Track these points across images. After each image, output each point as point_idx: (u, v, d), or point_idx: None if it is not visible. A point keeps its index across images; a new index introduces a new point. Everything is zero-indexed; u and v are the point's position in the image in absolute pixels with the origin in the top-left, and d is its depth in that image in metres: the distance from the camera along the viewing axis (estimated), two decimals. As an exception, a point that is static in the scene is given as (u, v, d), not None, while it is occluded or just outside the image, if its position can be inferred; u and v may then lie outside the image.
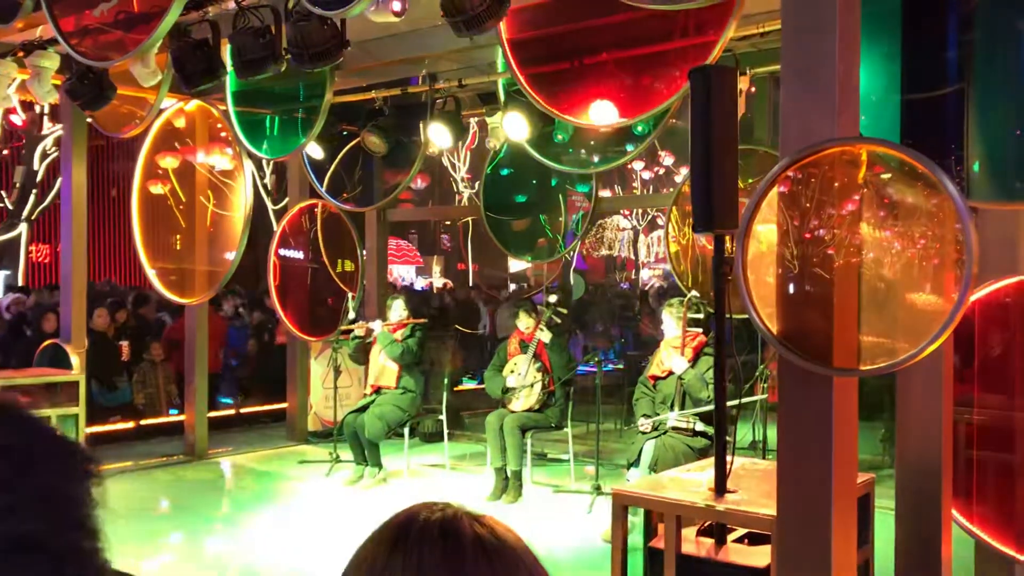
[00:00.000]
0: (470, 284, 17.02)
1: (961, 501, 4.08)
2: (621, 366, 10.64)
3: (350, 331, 7.54)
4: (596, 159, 7.64)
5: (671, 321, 5.86)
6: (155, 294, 9.08)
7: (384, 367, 7.17)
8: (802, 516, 3.08)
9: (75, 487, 0.52)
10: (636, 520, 3.87)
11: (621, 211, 23.79)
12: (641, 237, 25.66)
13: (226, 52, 5.58)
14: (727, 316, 3.51)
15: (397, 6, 4.52)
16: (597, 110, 5.48)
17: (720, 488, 3.49)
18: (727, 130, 3.40)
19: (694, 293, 6.25)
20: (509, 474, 6.59)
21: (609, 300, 15.08)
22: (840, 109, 3.06)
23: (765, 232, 3.27)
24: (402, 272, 21.71)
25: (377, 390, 7.20)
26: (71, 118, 7.39)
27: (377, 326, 7.25)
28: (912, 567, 3.82)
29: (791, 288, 3.14)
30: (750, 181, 6.47)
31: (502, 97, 7.08)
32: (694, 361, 5.71)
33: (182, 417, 8.40)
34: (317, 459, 7.89)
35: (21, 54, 6.24)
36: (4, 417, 0.51)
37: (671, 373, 5.77)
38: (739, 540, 3.53)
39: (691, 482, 3.76)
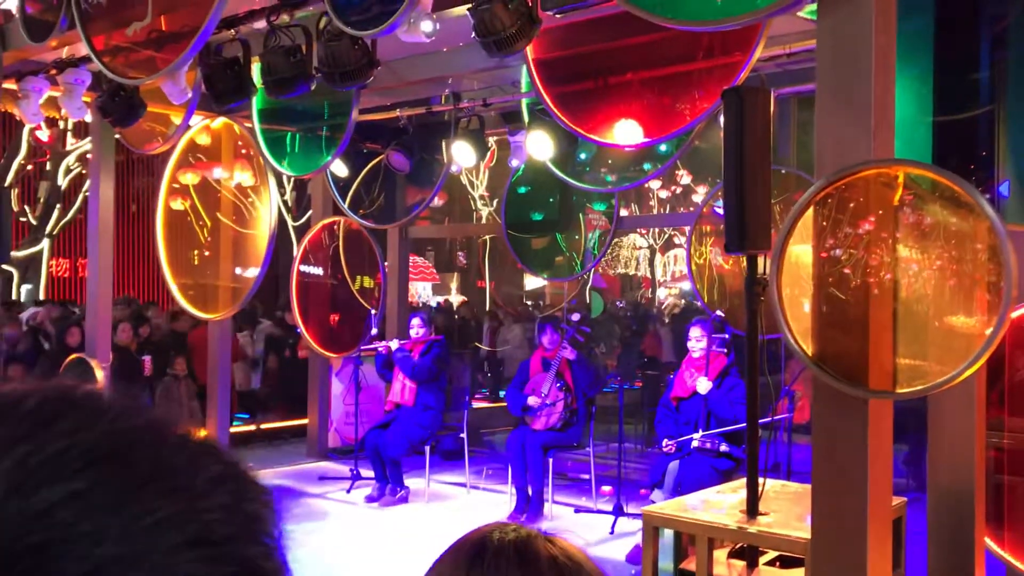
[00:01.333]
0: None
1: (991, 526, 4.03)
2: (640, 385, 10.60)
3: (372, 350, 7.57)
4: (616, 178, 7.67)
5: (695, 340, 5.84)
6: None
7: (403, 384, 7.19)
8: (837, 540, 3.05)
9: (273, 517, 0.54)
10: (663, 542, 3.84)
11: (638, 230, 23.78)
12: (657, 256, 25.63)
13: (256, 71, 5.63)
14: (760, 337, 3.50)
15: (428, 27, 4.55)
16: (622, 130, 5.49)
17: (752, 510, 3.47)
18: (760, 151, 3.40)
19: (719, 312, 6.24)
20: (530, 493, 6.56)
21: (628, 318, 15.05)
22: (876, 131, 3.06)
23: (799, 253, 3.26)
24: (419, 289, 21.75)
25: (396, 407, 7.21)
26: (100, 134, 7.47)
27: (394, 344, 7.27)
28: (945, 592, 3.79)
29: (826, 309, 3.13)
30: (772, 202, 6.46)
31: (526, 116, 7.11)
32: (716, 381, 5.69)
33: (203, 432, 8.42)
34: (338, 475, 7.89)
35: (54, 71, 6.33)
36: (210, 450, 0.53)
37: (695, 393, 5.75)
38: (771, 563, 3.51)
39: (721, 504, 3.74)
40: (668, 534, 3.65)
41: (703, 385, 5.66)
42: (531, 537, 0.84)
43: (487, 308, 16.88)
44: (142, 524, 0.45)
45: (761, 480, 3.54)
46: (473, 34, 4.28)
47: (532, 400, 6.63)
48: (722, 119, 3.54)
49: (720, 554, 3.53)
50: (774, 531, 3.31)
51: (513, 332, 12.74)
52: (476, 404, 10.41)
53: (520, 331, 12.63)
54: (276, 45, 5.13)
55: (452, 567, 0.83)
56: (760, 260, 3.56)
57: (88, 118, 7.13)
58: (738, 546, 3.53)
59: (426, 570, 0.87)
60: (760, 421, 3.72)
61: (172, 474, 0.48)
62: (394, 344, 7.29)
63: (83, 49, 5.69)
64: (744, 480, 3.63)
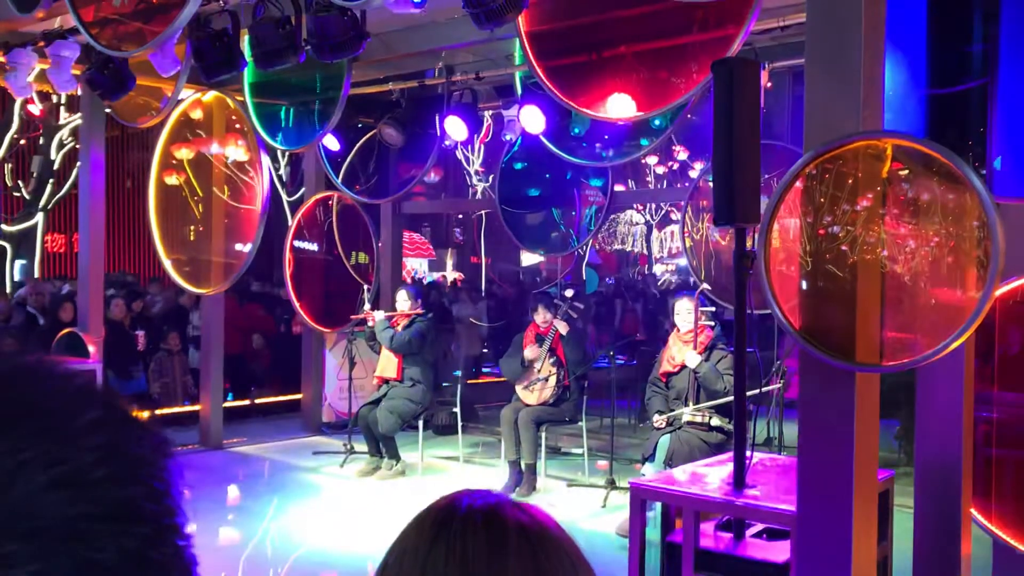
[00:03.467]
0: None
1: (979, 499, 4.05)
2: (634, 361, 10.62)
3: (360, 320, 7.58)
4: (611, 153, 7.63)
5: (684, 315, 5.84)
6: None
7: (387, 358, 7.20)
8: (823, 512, 3.07)
9: (161, 461, 0.54)
10: (651, 515, 3.86)
11: (634, 206, 23.72)
12: (654, 232, 25.58)
13: (245, 43, 5.58)
14: (748, 311, 3.50)
15: (417, -2, 4.51)
16: (615, 104, 5.45)
17: (739, 483, 3.48)
18: (750, 124, 3.38)
19: (705, 286, 6.22)
20: (523, 467, 6.59)
21: (625, 294, 15.05)
22: (864, 103, 3.04)
23: (787, 227, 3.25)
24: (415, 265, 21.72)
25: (384, 381, 7.22)
26: (90, 108, 7.42)
27: (379, 315, 7.27)
28: (931, 564, 3.81)
29: (813, 283, 3.12)
30: (765, 176, 6.43)
31: (519, 90, 7.06)
32: (705, 355, 5.70)
33: (197, 407, 8.43)
34: (331, 450, 7.92)
35: (42, 44, 6.27)
36: (92, 394, 0.52)
37: (683, 368, 5.75)
38: (758, 535, 3.52)
39: (709, 476, 3.76)
40: (656, 507, 3.67)
41: (692, 359, 5.66)
42: (499, 504, 0.83)
43: (483, 284, 16.85)
44: (4, 464, 0.45)
45: (749, 453, 3.55)
46: (462, 4, 4.24)
47: (529, 352, 6.58)
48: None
49: (707, 527, 3.55)
50: (760, 503, 3.32)
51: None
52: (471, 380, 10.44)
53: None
54: (265, 17, 5.08)
55: (418, 533, 0.82)
56: (749, 233, 3.54)
57: (78, 91, 7.07)
58: (725, 518, 3.54)
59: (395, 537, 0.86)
60: (748, 394, 3.72)
61: (44, 416, 0.48)
62: (379, 315, 7.29)
63: (71, 21, 5.63)
64: (732, 453, 3.64)
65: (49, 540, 0.45)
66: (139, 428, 0.54)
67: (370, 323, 7.34)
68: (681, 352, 5.78)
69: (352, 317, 7.87)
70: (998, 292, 3.99)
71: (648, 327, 12.90)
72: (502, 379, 7.35)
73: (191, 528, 0.57)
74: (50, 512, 0.46)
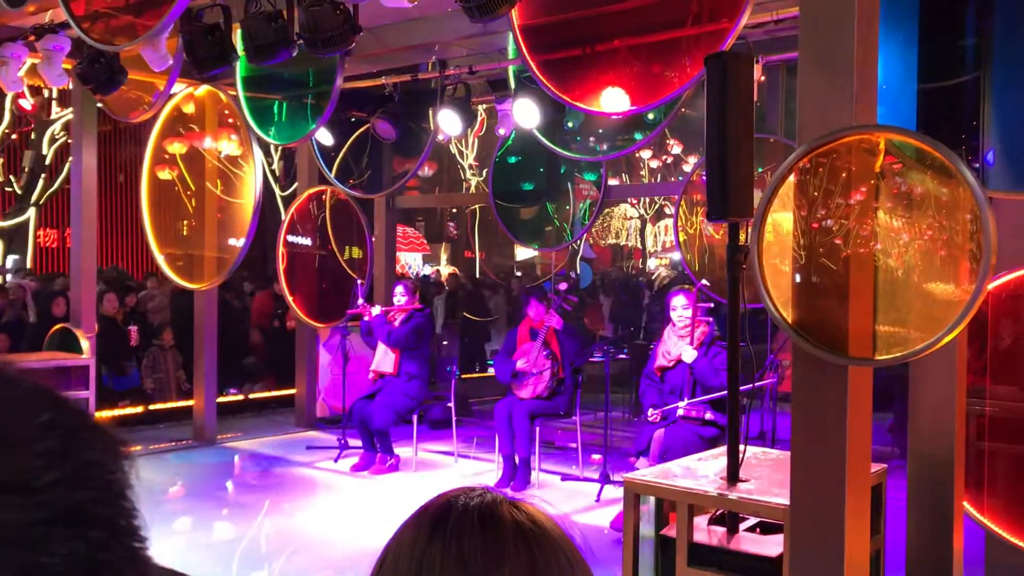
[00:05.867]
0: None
1: (972, 492, 4.07)
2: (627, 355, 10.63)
3: (357, 316, 7.57)
4: (605, 147, 7.62)
5: (683, 306, 5.84)
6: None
7: (384, 352, 7.19)
8: (815, 505, 3.07)
9: (116, 463, 0.53)
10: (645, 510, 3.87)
11: (628, 200, 23.74)
12: (648, 226, 25.60)
13: (237, 37, 5.56)
14: (742, 305, 3.50)
15: (410, -9, 4.49)
16: (609, 98, 5.44)
17: (733, 477, 3.49)
18: (743, 118, 3.37)
19: (705, 282, 6.23)
20: (517, 461, 6.59)
21: (618, 289, 15.06)
22: (858, 97, 3.04)
23: (780, 221, 3.25)
24: (409, 259, 21.70)
25: (380, 376, 7.22)
26: (81, 102, 7.39)
27: (376, 310, 7.27)
28: (923, 557, 3.82)
29: (806, 277, 3.12)
30: (759, 170, 6.44)
31: (513, 84, 7.05)
32: (701, 349, 5.70)
33: (191, 402, 8.42)
34: (325, 445, 7.91)
35: (32, 38, 6.23)
36: (43, 396, 0.51)
37: (679, 362, 5.76)
38: (751, 529, 3.53)
39: (703, 471, 3.76)
40: (650, 501, 3.67)
41: (689, 354, 5.66)
42: (496, 502, 0.82)
43: (476, 278, 16.84)
44: None
45: (742, 447, 3.55)
46: (455, -1, 4.23)
47: (521, 364, 6.63)
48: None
49: (701, 520, 3.55)
50: (754, 497, 3.33)
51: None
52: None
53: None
54: (257, 11, 5.06)
55: (415, 532, 0.82)
56: (742, 228, 3.54)
57: (69, 86, 7.04)
58: (718, 512, 3.55)
59: (391, 535, 0.86)
60: (741, 389, 3.72)
61: None
62: (376, 310, 7.29)
63: (62, 15, 5.60)
64: (726, 447, 3.65)
65: None
66: (92, 430, 0.53)
67: (367, 317, 7.33)
68: (677, 347, 5.78)
69: (349, 312, 7.87)
70: (990, 286, 4.00)
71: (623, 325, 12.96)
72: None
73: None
74: None
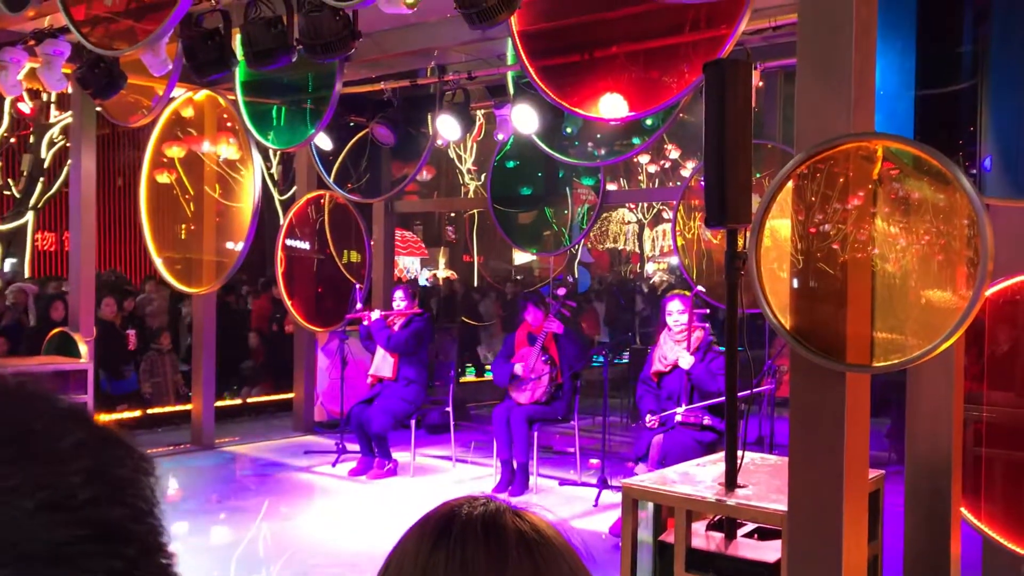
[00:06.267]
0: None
1: (969, 498, 4.08)
2: (627, 360, 10.64)
3: (355, 320, 7.57)
4: (603, 152, 7.64)
5: (679, 311, 5.84)
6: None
7: (383, 357, 7.19)
8: (813, 511, 3.08)
9: (145, 480, 0.54)
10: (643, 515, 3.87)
11: (626, 205, 23.76)
12: (646, 231, 25.62)
13: (237, 42, 5.57)
14: (740, 311, 3.51)
15: (409, -3, 4.50)
16: (607, 104, 5.46)
17: (731, 483, 3.49)
18: (741, 124, 3.39)
19: (701, 288, 6.24)
20: (515, 466, 6.60)
21: (615, 293, 15.07)
22: (856, 103, 3.05)
23: (778, 227, 3.26)
24: (407, 263, 21.70)
25: (379, 380, 7.22)
26: (80, 106, 7.39)
27: (376, 315, 7.28)
28: (921, 563, 3.83)
29: (804, 283, 3.13)
30: (757, 176, 6.46)
31: (511, 89, 7.06)
32: (698, 355, 5.71)
33: (189, 406, 8.42)
34: (323, 449, 7.91)
35: (32, 42, 6.24)
36: (77, 414, 0.52)
37: (676, 367, 5.76)
38: (749, 535, 3.54)
39: (701, 476, 3.77)
40: (648, 506, 3.68)
41: (686, 360, 5.67)
42: (499, 511, 0.83)
43: (475, 283, 16.85)
44: None
45: (740, 453, 3.56)
46: (455, 4, 4.24)
47: (518, 368, 6.63)
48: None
49: (699, 526, 3.56)
50: (752, 503, 3.33)
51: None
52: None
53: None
54: (256, 16, 5.07)
55: (418, 541, 0.82)
56: (740, 234, 3.55)
57: (68, 90, 7.05)
58: (716, 518, 3.56)
59: (394, 544, 0.86)
60: (739, 395, 3.73)
61: (29, 440, 0.48)
62: (375, 315, 7.29)
63: (62, 19, 5.61)
64: (724, 453, 3.65)
65: (36, 564, 0.45)
66: (122, 448, 0.54)
67: (366, 322, 7.34)
68: (673, 352, 5.79)
69: (348, 316, 7.87)
70: (987, 292, 4.01)
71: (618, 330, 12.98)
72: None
73: (174, 544, 0.57)
74: (37, 536, 0.45)
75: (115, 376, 8.71)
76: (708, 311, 6.05)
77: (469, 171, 19.09)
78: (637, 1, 5.34)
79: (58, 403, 0.52)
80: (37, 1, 5.44)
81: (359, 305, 7.70)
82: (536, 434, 6.72)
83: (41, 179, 14.23)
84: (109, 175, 16.04)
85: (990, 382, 4.20)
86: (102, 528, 0.48)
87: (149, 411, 8.76)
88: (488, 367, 12.19)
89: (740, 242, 3.56)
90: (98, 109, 7.25)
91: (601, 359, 7.89)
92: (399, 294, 7.36)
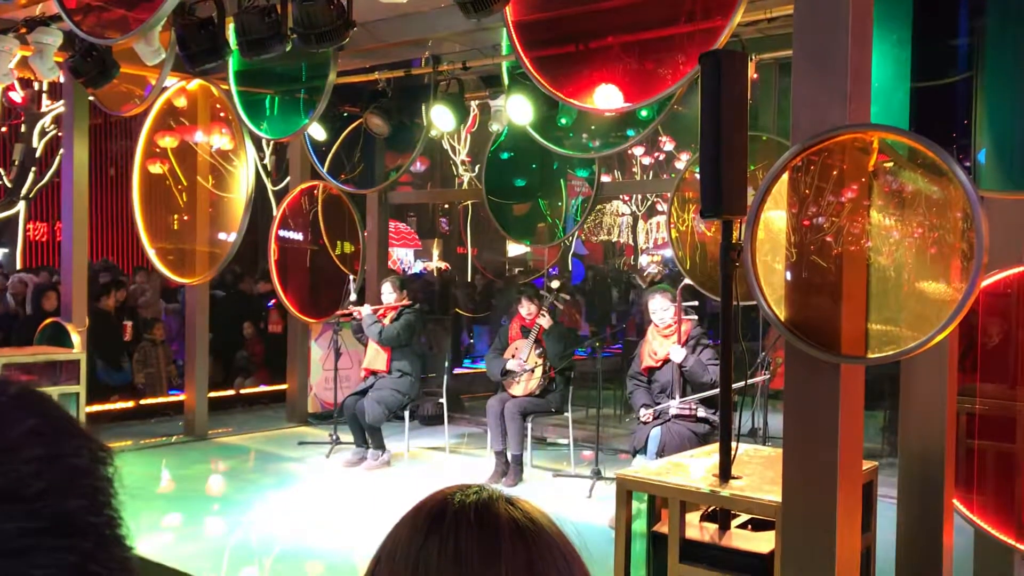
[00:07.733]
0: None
1: (961, 490, 4.09)
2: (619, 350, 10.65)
3: (349, 314, 7.56)
4: (598, 143, 7.62)
5: (663, 308, 5.83)
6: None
7: (376, 350, 7.19)
8: (807, 502, 3.09)
9: (101, 470, 0.52)
10: (641, 506, 3.87)
11: (620, 196, 23.73)
12: (640, 223, 25.60)
13: (230, 31, 5.53)
14: (734, 303, 3.51)
15: (404, -13, 4.48)
16: (602, 94, 5.44)
17: (724, 474, 3.50)
18: (737, 116, 3.38)
19: (688, 280, 6.23)
20: (509, 458, 6.60)
21: (610, 286, 15.08)
22: (851, 96, 3.04)
23: (773, 219, 3.26)
24: (401, 255, 21.65)
25: (372, 373, 7.21)
26: (73, 96, 7.35)
27: (366, 310, 7.26)
28: (913, 555, 3.84)
29: (799, 275, 3.13)
30: (752, 168, 6.45)
31: (506, 80, 7.04)
32: (688, 348, 5.70)
33: (182, 397, 8.40)
34: (317, 440, 7.91)
35: (24, 30, 6.19)
36: (29, 401, 0.50)
37: (666, 361, 5.75)
38: (743, 526, 3.54)
39: (695, 468, 3.77)
40: (642, 498, 3.68)
41: (677, 353, 5.66)
42: (492, 499, 0.82)
43: (469, 275, 16.82)
44: None
45: (734, 444, 3.56)
46: (450, -5, 4.22)
47: (512, 364, 6.64)
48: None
49: (692, 517, 3.56)
50: (745, 494, 3.34)
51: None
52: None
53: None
54: (250, 5, 5.04)
55: (411, 529, 0.82)
56: (736, 225, 3.55)
57: (60, 79, 7.01)
58: (710, 509, 3.56)
59: (387, 532, 0.86)
60: (733, 386, 3.73)
61: None
62: (366, 309, 7.28)
63: (54, 7, 5.57)
64: (718, 444, 3.66)
65: None
66: (79, 437, 0.51)
67: (357, 317, 7.32)
68: (663, 346, 5.78)
69: (337, 312, 7.86)
70: (982, 284, 4.02)
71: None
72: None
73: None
74: None
75: (113, 367, 8.69)
76: (696, 303, 6.04)
77: (463, 162, 19.04)
78: (632, -9, 5.33)
79: (10, 389, 0.50)
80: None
81: (353, 296, 7.67)
82: (530, 426, 6.72)
83: (33, 169, 14.15)
84: (101, 165, 15.96)
85: (983, 374, 4.21)
86: (56, 520, 0.46)
87: (142, 402, 8.74)
88: (466, 354, 12.21)
89: (735, 234, 3.56)
90: (91, 98, 7.20)
91: (584, 352, 7.90)
92: (386, 287, 7.34)
